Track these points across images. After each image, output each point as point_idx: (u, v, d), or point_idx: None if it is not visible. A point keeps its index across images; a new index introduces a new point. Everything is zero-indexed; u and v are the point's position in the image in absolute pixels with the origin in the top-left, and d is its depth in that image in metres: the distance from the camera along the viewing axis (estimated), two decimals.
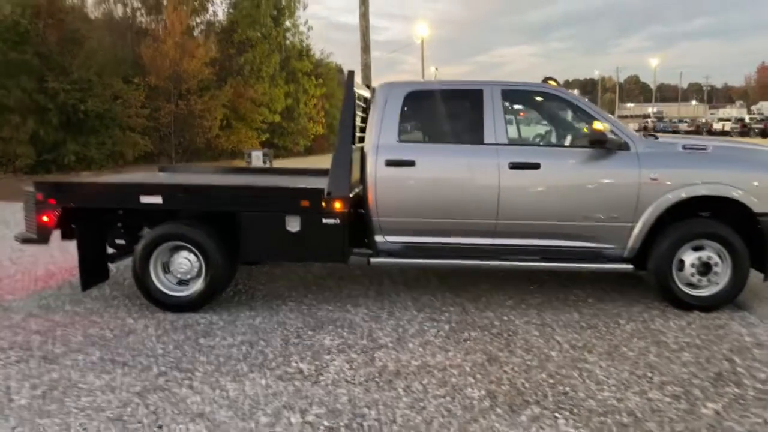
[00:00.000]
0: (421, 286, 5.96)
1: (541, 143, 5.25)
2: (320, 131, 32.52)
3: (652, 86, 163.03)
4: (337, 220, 4.98)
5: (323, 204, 4.96)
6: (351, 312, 5.19)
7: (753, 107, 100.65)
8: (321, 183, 5.06)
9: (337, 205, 4.98)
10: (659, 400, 3.54)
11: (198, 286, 5.16)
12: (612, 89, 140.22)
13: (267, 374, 3.93)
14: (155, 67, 22.23)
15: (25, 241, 5.26)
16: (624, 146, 4.98)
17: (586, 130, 5.12)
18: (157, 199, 5.06)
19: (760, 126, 45.50)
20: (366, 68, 14.44)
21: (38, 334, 4.67)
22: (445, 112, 5.24)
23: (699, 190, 4.89)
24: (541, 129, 5.42)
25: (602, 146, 4.90)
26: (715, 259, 4.96)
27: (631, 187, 4.94)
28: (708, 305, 5.01)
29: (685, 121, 63.31)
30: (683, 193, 4.90)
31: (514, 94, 5.22)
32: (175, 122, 23.06)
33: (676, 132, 57.31)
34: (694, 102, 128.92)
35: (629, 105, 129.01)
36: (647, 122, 66.69)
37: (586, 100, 5.30)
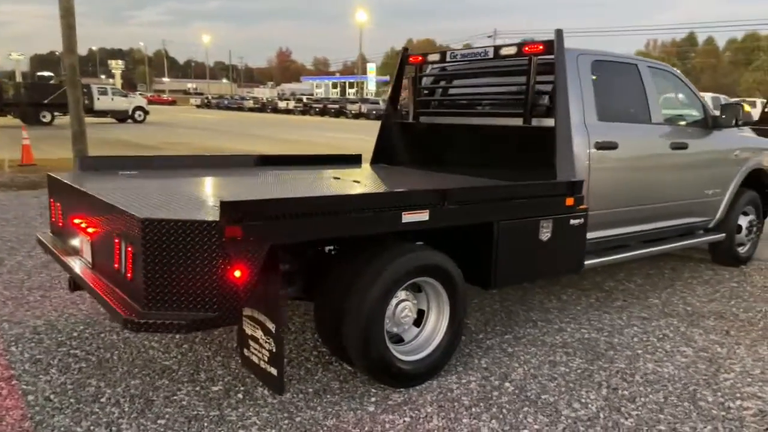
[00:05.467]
0: (556, 285, 5.26)
1: (682, 122, 5.25)
2: None
3: (180, 61, 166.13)
4: (582, 220, 4.02)
5: (579, 201, 3.93)
6: (592, 332, 4.28)
7: (278, 88, 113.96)
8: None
9: (569, 200, 4.02)
10: None
11: (436, 340, 3.43)
12: (142, 62, 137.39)
13: None
14: None
15: (193, 326, 2.49)
16: None
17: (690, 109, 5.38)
18: (423, 216, 3.11)
19: (319, 105, 51.95)
20: (70, 29, 10.71)
21: None
22: (622, 87, 4.72)
23: (758, 164, 5.76)
24: (674, 107, 5.37)
25: (751, 127, 5.28)
26: (755, 220, 5.97)
27: (730, 162, 5.49)
28: (746, 259, 6.00)
29: (245, 98, 66.98)
30: (751, 167, 5.70)
31: (655, 72, 5.03)
32: None
33: (240, 108, 60.33)
34: (224, 80, 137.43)
35: (165, 80, 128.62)
36: (207, 98, 68.02)
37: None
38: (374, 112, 46.48)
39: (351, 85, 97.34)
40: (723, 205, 5.57)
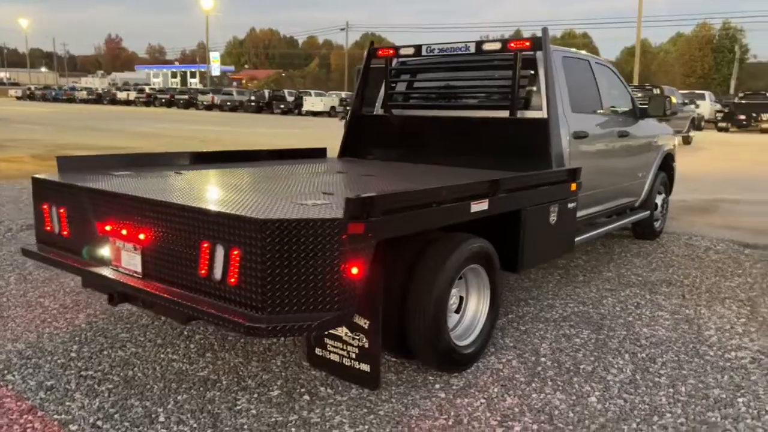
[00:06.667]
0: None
1: (620, 112, 5.77)
2: None
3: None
4: (575, 204, 4.38)
5: (579, 186, 4.28)
6: (579, 305, 4.65)
7: (109, 78, 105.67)
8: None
9: (573, 186, 4.38)
10: None
11: (479, 324, 3.59)
12: None
13: None
14: None
15: (322, 326, 2.39)
16: None
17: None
18: (484, 205, 3.23)
19: (166, 96, 49.08)
20: None
21: None
22: (583, 81, 5.13)
23: (666, 148, 6.57)
24: (613, 99, 5.85)
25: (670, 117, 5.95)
26: (665, 197, 6.81)
27: (653, 147, 6.21)
28: (659, 233, 6.84)
29: (76, 88, 61.10)
30: (664, 152, 6.49)
31: (600, 67, 5.52)
32: None
33: (72, 100, 55.21)
34: (43, 69, 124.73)
35: None
36: (30, 88, 61.15)
37: None
38: (228, 103, 45.02)
39: (193, 75, 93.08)
40: (647, 185, 6.30)
